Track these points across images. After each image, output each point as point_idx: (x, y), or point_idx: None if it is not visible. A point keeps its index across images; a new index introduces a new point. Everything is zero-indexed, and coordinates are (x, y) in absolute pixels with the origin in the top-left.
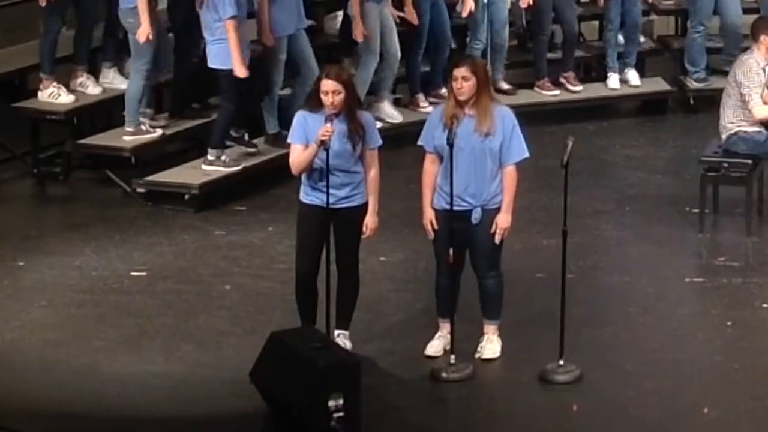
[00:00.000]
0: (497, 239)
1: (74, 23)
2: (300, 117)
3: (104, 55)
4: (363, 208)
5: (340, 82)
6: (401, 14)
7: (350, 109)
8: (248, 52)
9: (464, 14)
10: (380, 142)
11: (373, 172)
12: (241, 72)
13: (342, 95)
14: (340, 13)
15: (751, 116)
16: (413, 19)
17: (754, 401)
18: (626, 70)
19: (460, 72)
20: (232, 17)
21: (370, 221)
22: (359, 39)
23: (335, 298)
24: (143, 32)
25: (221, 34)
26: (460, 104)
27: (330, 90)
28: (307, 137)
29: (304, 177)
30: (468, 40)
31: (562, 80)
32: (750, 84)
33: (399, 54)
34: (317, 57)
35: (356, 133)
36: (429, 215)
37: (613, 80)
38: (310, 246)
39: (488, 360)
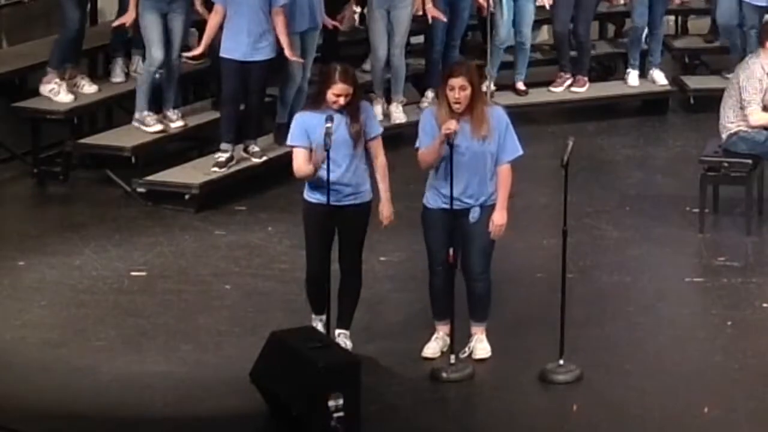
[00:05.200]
0: (493, 236)
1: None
2: (299, 118)
3: (113, 51)
4: (368, 206)
5: (352, 84)
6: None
7: (354, 107)
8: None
9: (484, 13)
10: (380, 129)
11: (381, 160)
12: (291, 55)
13: (350, 96)
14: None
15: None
16: (438, 15)
17: (754, 401)
18: (652, 70)
19: (458, 82)
20: (283, 6)
21: (385, 209)
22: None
23: (337, 297)
24: (124, 18)
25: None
26: (453, 110)
27: (343, 93)
28: (309, 137)
29: None
30: (489, 37)
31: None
32: (750, 89)
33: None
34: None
35: (357, 124)
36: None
37: (633, 77)
38: (318, 246)
39: (482, 360)
